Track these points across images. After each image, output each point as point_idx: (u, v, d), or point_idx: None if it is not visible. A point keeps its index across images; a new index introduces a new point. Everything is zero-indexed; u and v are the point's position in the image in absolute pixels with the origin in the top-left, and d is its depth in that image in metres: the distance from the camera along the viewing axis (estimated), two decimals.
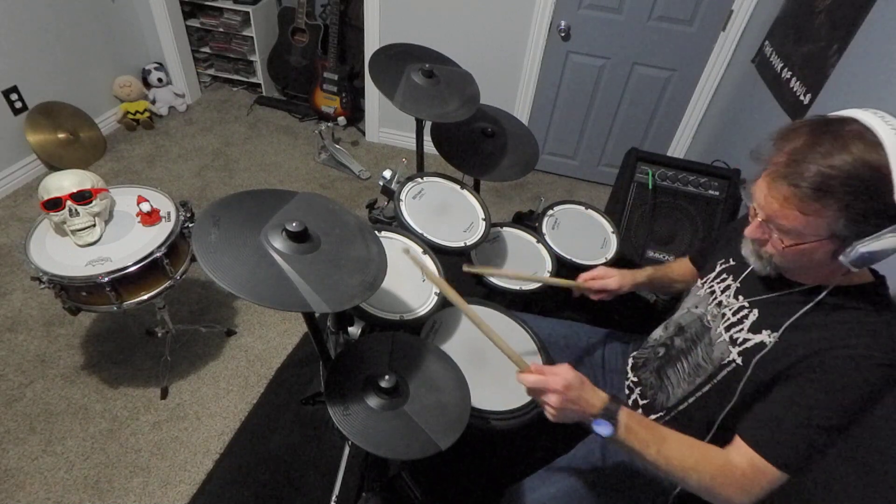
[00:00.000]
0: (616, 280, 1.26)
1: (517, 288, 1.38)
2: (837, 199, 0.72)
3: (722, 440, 0.92)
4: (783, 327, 0.88)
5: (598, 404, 0.88)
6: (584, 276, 1.29)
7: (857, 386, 0.78)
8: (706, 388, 0.99)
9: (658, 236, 2.15)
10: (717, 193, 2.08)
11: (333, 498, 1.36)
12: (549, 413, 0.89)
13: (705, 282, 1.10)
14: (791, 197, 0.75)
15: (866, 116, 0.75)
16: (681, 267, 1.34)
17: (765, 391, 0.88)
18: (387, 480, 1.37)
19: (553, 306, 1.85)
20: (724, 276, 1.06)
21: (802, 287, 0.89)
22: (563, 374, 0.88)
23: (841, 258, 0.77)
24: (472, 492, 1.34)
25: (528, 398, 1.09)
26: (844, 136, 0.73)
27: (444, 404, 0.96)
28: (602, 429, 0.86)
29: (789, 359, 0.85)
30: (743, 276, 1.01)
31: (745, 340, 0.93)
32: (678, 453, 0.86)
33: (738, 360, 0.93)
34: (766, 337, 0.90)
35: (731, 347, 0.95)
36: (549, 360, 1.19)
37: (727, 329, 0.97)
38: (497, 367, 1.16)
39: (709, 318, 1.03)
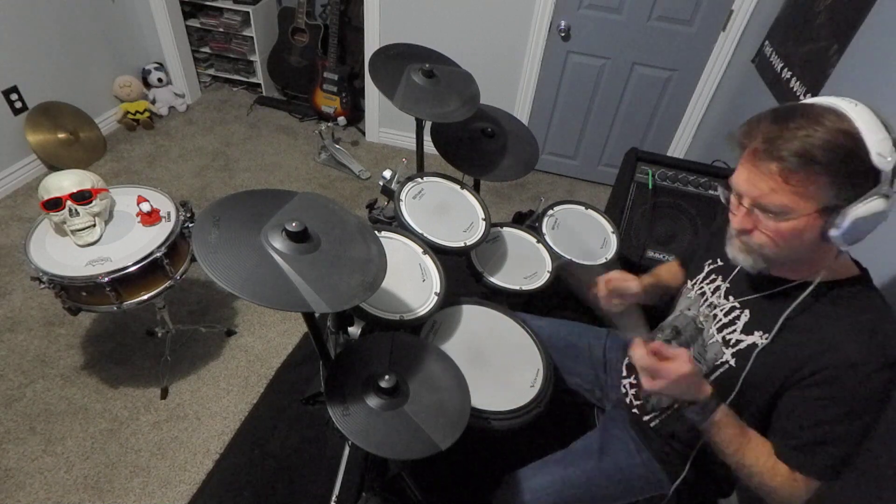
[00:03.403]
0: (636, 283, 1.14)
1: (517, 288, 1.38)
2: (822, 166, 0.73)
3: None
4: (776, 326, 0.88)
5: (700, 399, 0.88)
6: (603, 278, 1.15)
7: (868, 395, 0.80)
8: None
9: (658, 236, 2.15)
10: (717, 193, 2.07)
11: (333, 498, 1.36)
12: (646, 386, 0.88)
13: (695, 283, 1.10)
14: (776, 173, 0.76)
15: (823, 99, 0.78)
16: (668, 271, 1.31)
17: (770, 393, 0.88)
18: (387, 480, 1.37)
19: (553, 306, 1.86)
20: (713, 276, 1.06)
21: (791, 283, 0.89)
22: (676, 366, 0.85)
23: (832, 233, 0.77)
24: (471, 491, 1.34)
25: (529, 398, 1.09)
26: (813, 114, 0.75)
27: (444, 404, 0.96)
28: (693, 415, 0.89)
29: (791, 362, 0.85)
30: (732, 276, 1.01)
31: (738, 342, 0.93)
32: (753, 460, 0.89)
33: (732, 362, 0.93)
34: (759, 338, 0.91)
35: (724, 349, 0.95)
36: (549, 359, 1.19)
37: (719, 330, 0.98)
38: (497, 368, 1.16)
39: (701, 319, 1.03)
